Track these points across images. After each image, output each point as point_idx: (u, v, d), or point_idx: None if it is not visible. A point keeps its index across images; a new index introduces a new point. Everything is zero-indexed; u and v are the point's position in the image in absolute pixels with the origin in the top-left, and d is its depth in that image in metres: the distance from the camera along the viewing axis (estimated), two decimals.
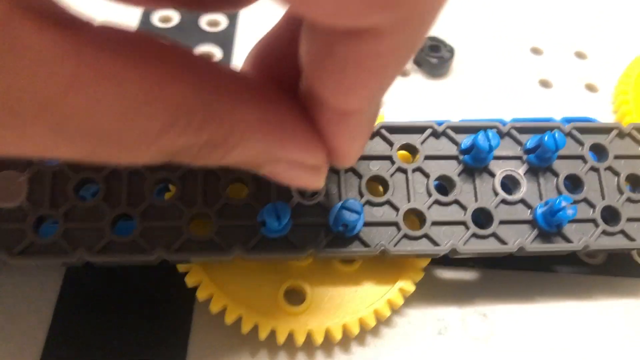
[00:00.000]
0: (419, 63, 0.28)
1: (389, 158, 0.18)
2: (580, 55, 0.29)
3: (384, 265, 0.18)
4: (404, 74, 0.28)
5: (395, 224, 0.18)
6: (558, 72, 0.28)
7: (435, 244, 0.18)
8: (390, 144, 0.19)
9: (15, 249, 0.16)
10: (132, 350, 0.18)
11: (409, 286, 0.18)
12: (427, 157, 0.19)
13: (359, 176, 0.18)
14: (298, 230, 0.17)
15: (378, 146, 0.19)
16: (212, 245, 0.17)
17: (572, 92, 0.27)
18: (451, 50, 0.27)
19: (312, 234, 0.17)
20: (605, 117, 0.26)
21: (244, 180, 0.18)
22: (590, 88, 0.28)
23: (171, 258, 0.17)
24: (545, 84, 0.28)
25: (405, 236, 0.18)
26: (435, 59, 0.27)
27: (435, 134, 0.19)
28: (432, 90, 0.27)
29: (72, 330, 0.18)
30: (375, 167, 0.18)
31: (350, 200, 0.17)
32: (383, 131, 0.19)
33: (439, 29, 0.28)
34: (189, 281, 0.18)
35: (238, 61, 0.26)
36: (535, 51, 0.29)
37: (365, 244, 0.17)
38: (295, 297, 0.18)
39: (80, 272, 0.19)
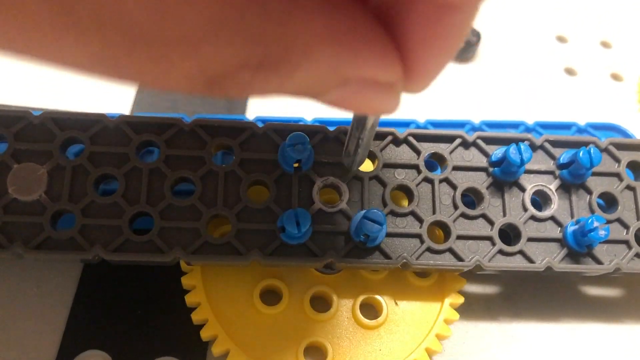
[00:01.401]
0: None
1: (415, 167, 0.18)
2: (605, 44, 0.28)
3: (414, 312, 0.18)
4: None
5: (418, 236, 0.17)
6: (583, 61, 0.28)
7: (460, 258, 0.17)
8: (418, 152, 0.18)
9: (32, 243, 0.16)
10: (150, 343, 0.18)
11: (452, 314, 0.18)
12: (455, 168, 0.18)
13: (383, 184, 0.18)
14: (318, 238, 0.17)
15: (405, 154, 0.18)
16: (229, 249, 0.16)
17: (597, 81, 0.27)
18: (477, 35, 0.27)
19: (332, 242, 0.17)
20: (629, 106, 0.26)
21: (266, 183, 0.17)
22: (616, 77, 0.27)
23: (188, 260, 0.16)
24: (570, 72, 0.27)
25: (429, 249, 0.17)
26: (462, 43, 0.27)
27: (465, 144, 0.18)
28: (457, 74, 0.27)
29: (90, 318, 0.18)
30: (401, 176, 0.18)
31: (373, 210, 0.16)
32: (410, 139, 0.18)
33: None
34: (204, 335, 0.17)
35: None
36: (561, 39, 0.29)
37: (386, 256, 0.17)
38: (317, 354, 0.18)
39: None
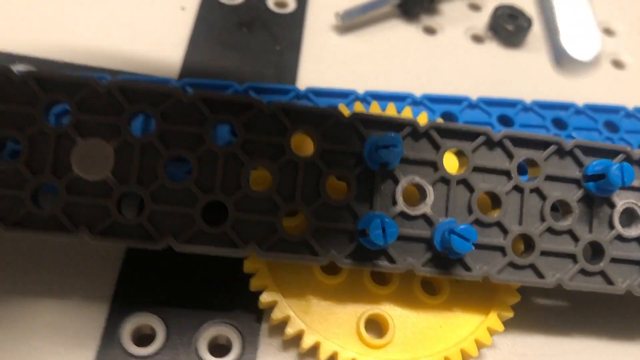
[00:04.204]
0: (495, 30, 0.25)
1: (506, 173, 0.17)
2: None
3: (472, 297, 0.17)
4: (479, 40, 0.26)
5: (501, 249, 0.16)
6: (631, 53, 0.27)
7: (541, 275, 0.16)
8: (511, 156, 0.17)
9: (97, 228, 0.15)
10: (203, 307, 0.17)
11: (497, 325, 0.17)
12: (548, 178, 0.17)
13: (471, 190, 0.16)
14: (399, 243, 0.16)
15: (495, 160, 0.17)
16: (306, 248, 0.15)
17: None
18: (529, 21, 0.25)
19: (412, 249, 0.16)
20: None
21: (348, 178, 0.16)
22: None
23: (263, 257, 0.15)
24: (617, 64, 0.26)
25: (511, 264, 0.16)
26: (512, 26, 0.25)
27: (561, 153, 0.17)
28: (506, 60, 0.25)
29: (141, 279, 0.17)
30: (490, 182, 0.17)
31: (463, 226, 0.15)
32: (506, 142, 0.17)
33: None
34: (264, 301, 0.16)
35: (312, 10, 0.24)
36: (608, 32, 0.28)
37: (467, 268, 0.16)
38: (376, 327, 0.17)
39: None
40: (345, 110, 0.17)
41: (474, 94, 0.22)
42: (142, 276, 0.17)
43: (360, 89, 0.21)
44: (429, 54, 0.24)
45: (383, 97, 0.20)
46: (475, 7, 0.27)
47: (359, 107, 0.18)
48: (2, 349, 0.16)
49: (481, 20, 0.26)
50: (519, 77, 0.24)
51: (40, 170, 0.15)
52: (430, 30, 0.25)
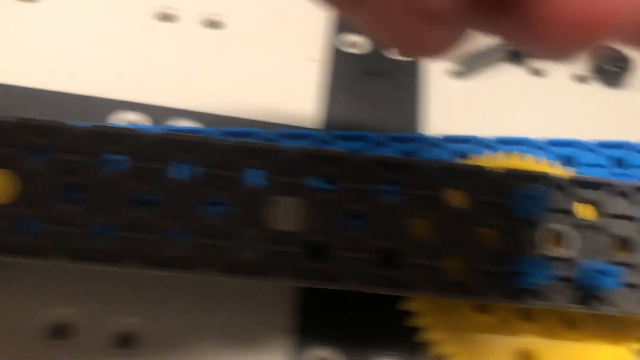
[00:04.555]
0: (598, 71, 0.27)
1: (629, 218, 0.19)
2: None
3: (611, 330, 0.19)
4: (583, 79, 0.27)
5: (632, 286, 0.18)
6: None
7: None
8: (635, 203, 0.19)
9: (295, 273, 0.17)
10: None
11: (632, 355, 0.19)
12: None
13: (604, 234, 0.18)
14: (547, 282, 0.18)
15: (623, 207, 0.19)
16: (465, 288, 0.18)
17: None
18: (630, 61, 0.27)
19: (558, 288, 0.18)
20: None
21: (499, 226, 0.18)
22: None
23: (432, 297, 0.18)
24: None
25: None
26: (614, 68, 0.27)
27: None
28: (610, 101, 0.27)
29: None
30: (619, 227, 0.19)
31: (606, 266, 0.17)
32: (631, 192, 0.19)
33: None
34: (427, 337, 0.19)
35: None
36: None
37: (609, 303, 0.18)
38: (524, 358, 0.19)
39: None
40: (488, 161, 0.19)
41: (581, 135, 0.24)
42: (320, 312, 0.20)
43: (477, 131, 0.23)
44: (535, 96, 0.26)
45: (509, 142, 0.22)
46: None
47: (501, 159, 0.21)
48: None
49: (585, 61, 0.28)
50: (625, 118, 0.26)
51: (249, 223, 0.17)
52: (537, 73, 0.27)
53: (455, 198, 0.19)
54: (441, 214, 0.18)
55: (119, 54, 0.24)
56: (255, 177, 0.18)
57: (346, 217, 0.18)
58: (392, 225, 0.18)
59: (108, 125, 0.21)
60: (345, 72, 0.26)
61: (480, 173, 0.18)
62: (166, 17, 0.26)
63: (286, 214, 0.18)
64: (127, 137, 0.17)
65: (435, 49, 0.12)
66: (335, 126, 0.24)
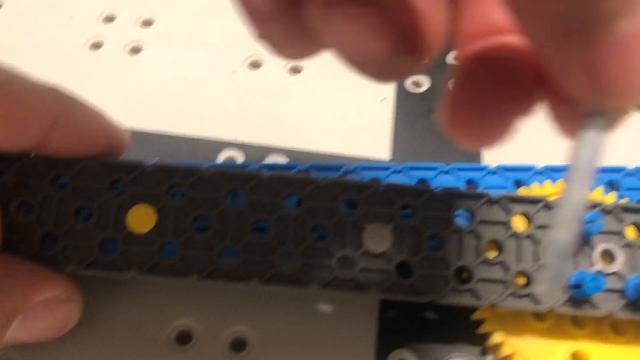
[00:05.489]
0: None
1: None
2: None
3: None
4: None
5: None
6: None
7: None
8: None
9: (381, 288, 0.21)
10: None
11: None
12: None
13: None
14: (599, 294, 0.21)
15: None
16: (527, 299, 0.21)
17: None
18: None
19: (608, 297, 0.21)
20: None
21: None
22: None
23: (498, 306, 0.21)
24: None
25: None
26: None
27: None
28: None
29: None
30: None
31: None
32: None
33: None
34: (493, 341, 0.22)
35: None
36: None
37: None
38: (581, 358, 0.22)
39: None
40: (541, 189, 0.22)
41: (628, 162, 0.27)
42: (396, 318, 0.24)
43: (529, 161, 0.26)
44: None
45: (557, 171, 0.26)
46: None
47: (547, 187, 0.24)
48: None
49: None
50: None
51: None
52: None
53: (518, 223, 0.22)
54: (507, 236, 0.21)
55: (219, 99, 0.28)
56: (347, 208, 0.21)
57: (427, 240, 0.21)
58: (464, 247, 0.21)
59: (228, 166, 0.25)
60: (409, 109, 0.29)
61: (540, 200, 0.22)
62: (256, 65, 0.30)
63: (377, 238, 0.21)
64: (243, 177, 0.21)
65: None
66: (404, 159, 0.27)
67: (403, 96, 0.30)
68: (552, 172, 0.26)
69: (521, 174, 0.26)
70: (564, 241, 0.12)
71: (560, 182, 0.25)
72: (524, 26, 0.12)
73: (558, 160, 0.26)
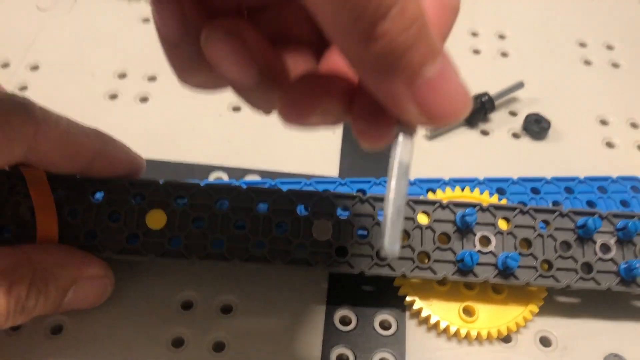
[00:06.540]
0: (526, 130, 0.40)
1: (533, 227, 0.31)
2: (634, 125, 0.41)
3: (520, 295, 0.31)
4: (516, 136, 0.40)
5: (534, 267, 0.30)
6: (619, 138, 0.40)
7: (557, 280, 0.30)
8: (534, 218, 0.31)
9: (325, 266, 0.30)
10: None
11: (534, 309, 0.31)
12: (556, 228, 0.31)
13: (514, 237, 0.31)
14: (479, 267, 0.30)
15: (525, 220, 0.31)
16: (431, 270, 0.30)
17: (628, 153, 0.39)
18: (549, 122, 0.39)
19: (486, 269, 0.30)
20: None
21: (449, 235, 0.30)
22: None
23: (409, 276, 0.30)
24: (609, 145, 0.40)
25: (541, 275, 0.30)
26: (537, 128, 0.39)
27: (560, 214, 0.31)
28: (535, 150, 0.40)
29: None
30: (524, 232, 0.31)
31: (513, 255, 0.30)
32: (531, 211, 0.31)
33: (541, 106, 0.41)
34: (408, 300, 0.31)
35: None
36: (603, 122, 0.41)
37: (516, 278, 0.30)
38: (468, 312, 0.31)
39: None
40: (446, 194, 0.32)
41: (515, 174, 0.36)
42: (341, 287, 0.32)
43: (442, 174, 0.35)
44: (484, 149, 0.39)
45: (462, 182, 0.35)
46: (513, 114, 0.42)
47: (448, 192, 0.33)
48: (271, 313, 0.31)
49: (517, 123, 0.40)
50: (544, 161, 0.38)
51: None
52: (485, 133, 0.40)
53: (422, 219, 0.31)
54: (414, 227, 0.30)
55: (209, 134, 0.38)
56: (302, 210, 0.30)
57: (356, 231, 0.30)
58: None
59: (216, 183, 0.34)
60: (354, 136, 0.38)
61: (438, 204, 0.31)
62: (237, 109, 0.39)
63: (321, 230, 0.30)
64: (227, 190, 0.30)
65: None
66: (349, 174, 0.36)
67: (349, 127, 0.39)
68: (455, 182, 0.35)
69: (432, 184, 0.35)
70: (392, 216, 0.17)
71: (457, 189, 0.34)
72: (359, 75, 0.16)
73: (461, 174, 0.36)
